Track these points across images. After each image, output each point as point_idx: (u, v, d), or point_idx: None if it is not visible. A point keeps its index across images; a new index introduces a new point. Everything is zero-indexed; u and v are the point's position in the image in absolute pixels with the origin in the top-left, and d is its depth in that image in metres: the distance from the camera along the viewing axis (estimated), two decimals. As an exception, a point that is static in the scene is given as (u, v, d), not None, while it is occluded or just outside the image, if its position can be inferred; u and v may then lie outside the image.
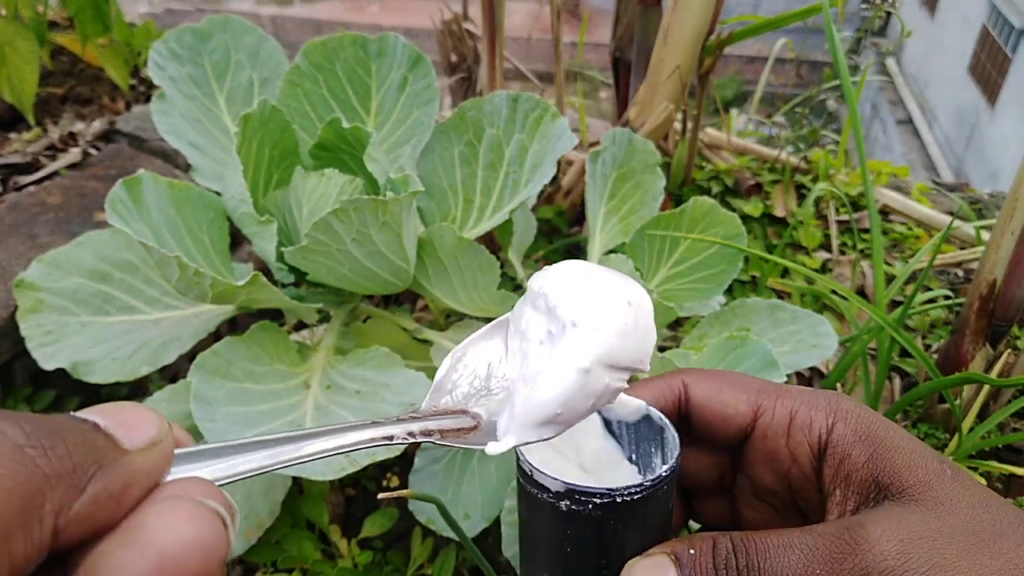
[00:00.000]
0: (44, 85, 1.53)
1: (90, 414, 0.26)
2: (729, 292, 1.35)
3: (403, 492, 0.64)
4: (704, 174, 1.58)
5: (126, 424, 0.26)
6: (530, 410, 0.36)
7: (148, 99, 1.58)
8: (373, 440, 0.34)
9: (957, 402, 0.97)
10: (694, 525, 0.49)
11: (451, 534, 0.83)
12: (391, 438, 0.34)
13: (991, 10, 8.80)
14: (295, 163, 0.95)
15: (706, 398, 0.41)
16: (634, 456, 0.43)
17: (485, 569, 0.78)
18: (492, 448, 0.36)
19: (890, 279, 1.37)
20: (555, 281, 0.37)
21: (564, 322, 0.36)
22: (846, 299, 1.03)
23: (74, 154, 1.36)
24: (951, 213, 1.56)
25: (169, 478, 0.27)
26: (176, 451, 0.28)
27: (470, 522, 0.86)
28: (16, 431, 0.23)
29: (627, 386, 0.37)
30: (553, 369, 0.35)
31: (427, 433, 0.36)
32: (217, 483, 0.28)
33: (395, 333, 0.99)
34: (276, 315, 1.20)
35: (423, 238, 0.88)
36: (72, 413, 0.26)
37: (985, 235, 1.44)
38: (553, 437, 0.36)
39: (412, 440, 0.35)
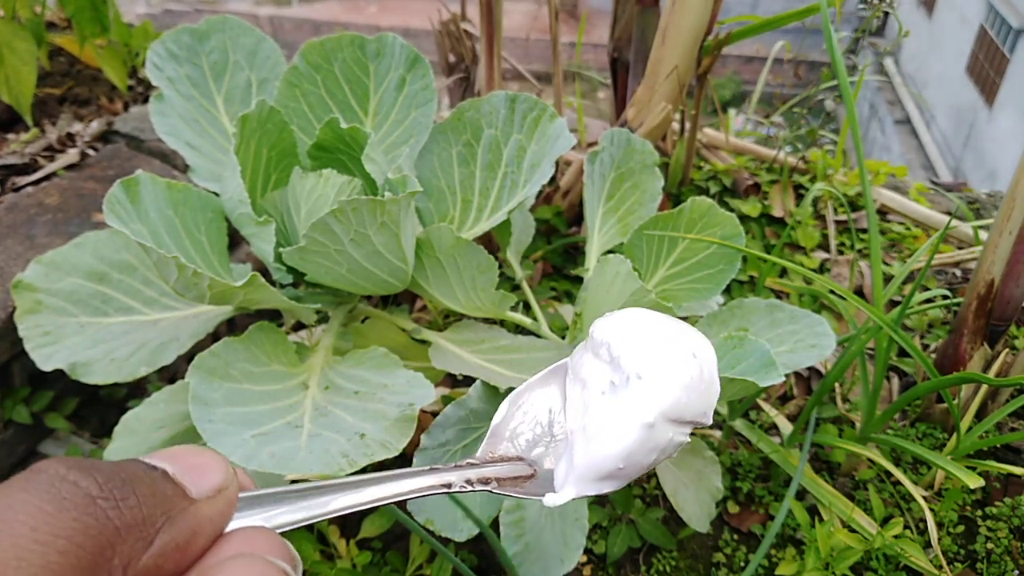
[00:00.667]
0: (42, 86, 1.53)
1: (160, 460, 0.26)
2: (727, 292, 1.35)
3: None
4: (702, 174, 1.58)
5: (194, 470, 0.26)
6: (591, 464, 0.35)
7: (146, 100, 1.58)
8: (432, 487, 0.33)
9: (955, 402, 0.97)
10: None
11: (450, 534, 0.82)
12: (449, 486, 0.34)
13: (989, 10, 8.81)
14: (293, 164, 0.95)
15: None
16: None
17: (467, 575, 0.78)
18: (550, 500, 0.36)
19: (888, 279, 1.37)
20: (619, 330, 0.37)
21: (628, 374, 0.35)
22: (844, 299, 1.03)
23: (72, 155, 1.36)
24: (949, 213, 1.57)
25: (232, 525, 0.27)
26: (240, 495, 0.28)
27: (468, 523, 0.86)
28: (89, 482, 0.23)
29: (689, 440, 0.36)
30: (617, 423, 0.35)
31: (485, 481, 0.35)
32: (280, 530, 0.28)
33: (393, 333, 0.99)
34: (274, 316, 1.20)
35: (421, 238, 0.88)
36: (143, 460, 0.26)
37: (983, 235, 1.44)
38: (613, 491, 0.36)
39: (470, 489, 0.35)
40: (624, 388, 0.35)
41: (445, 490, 0.34)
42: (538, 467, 0.37)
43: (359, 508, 0.31)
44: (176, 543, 0.24)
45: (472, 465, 0.36)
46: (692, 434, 0.37)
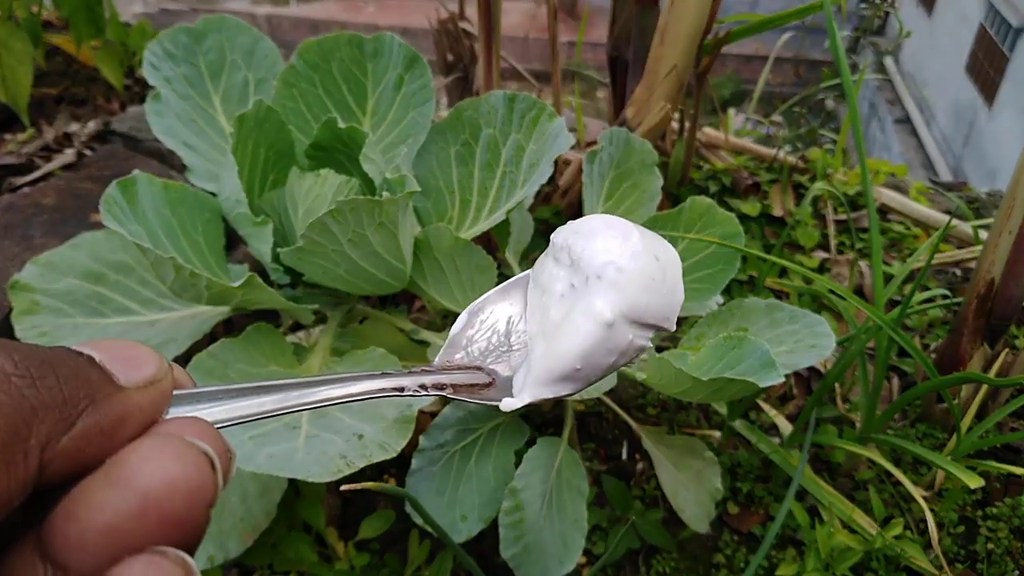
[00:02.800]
0: (38, 85, 1.52)
1: (86, 347, 0.25)
2: (727, 292, 1.35)
3: (368, 484, 0.64)
4: (702, 174, 1.58)
5: (124, 360, 0.25)
6: (549, 364, 0.34)
7: (143, 99, 1.57)
8: (383, 390, 0.32)
9: (955, 402, 0.97)
10: None
11: (449, 535, 0.82)
12: (402, 389, 0.33)
13: (988, 9, 8.81)
14: (291, 163, 0.94)
15: None
16: None
17: (476, 573, 0.78)
18: (506, 404, 0.35)
19: (888, 278, 1.37)
20: (579, 234, 0.36)
21: (588, 275, 0.34)
22: (844, 299, 1.03)
23: (69, 155, 1.35)
24: (949, 212, 1.56)
25: (168, 418, 0.26)
26: (177, 392, 0.27)
27: (467, 524, 0.85)
28: (4, 360, 0.22)
29: (651, 345, 0.35)
30: (575, 322, 0.34)
31: (440, 387, 0.34)
32: (219, 425, 0.27)
33: (392, 334, 0.99)
34: (272, 316, 1.20)
35: (420, 239, 0.88)
36: (68, 347, 0.25)
37: (983, 234, 1.43)
38: (572, 395, 0.35)
39: (424, 394, 0.34)
40: (584, 289, 0.34)
41: (397, 393, 0.33)
42: (496, 376, 0.36)
43: (310, 407, 0.30)
44: (100, 427, 0.23)
45: (427, 372, 0.35)
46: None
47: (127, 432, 0.25)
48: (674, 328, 0.36)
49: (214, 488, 0.24)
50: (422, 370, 0.35)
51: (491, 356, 0.37)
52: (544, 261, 0.38)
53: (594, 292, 0.34)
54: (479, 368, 0.37)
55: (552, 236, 0.38)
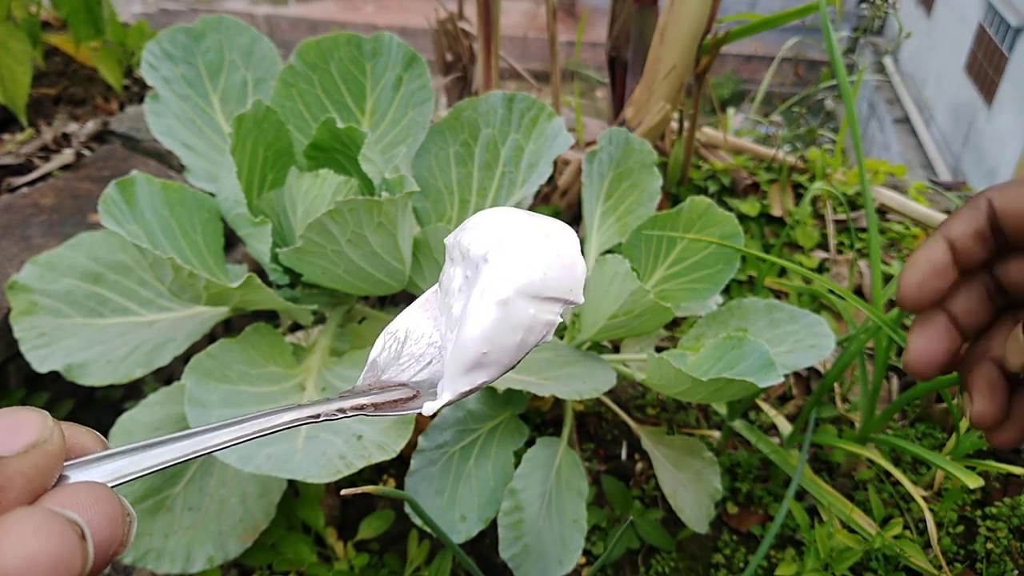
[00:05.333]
0: (37, 86, 1.52)
1: None
2: (726, 292, 1.35)
3: (368, 488, 0.64)
4: (701, 173, 1.58)
5: (3, 430, 0.26)
6: (457, 356, 0.35)
7: (142, 99, 1.57)
8: (297, 420, 0.33)
9: (955, 401, 0.97)
10: None
11: (448, 536, 0.82)
12: (317, 416, 0.33)
13: (987, 9, 8.81)
14: (290, 164, 0.94)
15: (1011, 203, 0.40)
16: None
17: (475, 573, 0.78)
18: (427, 408, 0.35)
19: (888, 278, 1.37)
20: (468, 228, 0.37)
21: (477, 261, 0.35)
22: (844, 298, 1.03)
23: (67, 155, 1.35)
24: (948, 212, 1.56)
25: (72, 480, 0.26)
26: (87, 457, 0.27)
27: (466, 524, 0.85)
28: None
29: (560, 319, 0.36)
30: (470, 308, 0.34)
31: (359, 408, 0.35)
32: (122, 479, 0.28)
33: (391, 334, 0.98)
34: (271, 316, 1.20)
35: (419, 239, 0.88)
36: None
37: (982, 234, 1.43)
38: (490, 382, 0.35)
39: (342, 416, 0.34)
40: (475, 275, 0.35)
41: (312, 420, 0.33)
42: (420, 387, 0.37)
43: (223, 447, 0.31)
44: None
45: (345, 396, 0.35)
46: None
47: (10, 499, 0.25)
48: (581, 300, 0.36)
49: (82, 559, 0.24)
50: (340, 396, 0.35)
51: (411, 368, 0.38)
52: (444, 267, 0.39)
53: (484, 276, 0.34)
54: (403, 384, 0.37)
55: (445, 239, 0.39)
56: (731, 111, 1.91)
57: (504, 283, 0.34)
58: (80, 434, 0.29)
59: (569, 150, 1.50)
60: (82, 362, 0.85)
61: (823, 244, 1.50)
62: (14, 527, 0.23)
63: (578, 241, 0.37)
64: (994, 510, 0.99)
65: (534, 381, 0.85)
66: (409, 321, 0.39)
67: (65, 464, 0.27)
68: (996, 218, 0.41)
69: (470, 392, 0.35)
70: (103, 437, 0.30)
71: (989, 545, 0.95)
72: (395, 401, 0.36)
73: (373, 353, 0.38)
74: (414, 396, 0.36)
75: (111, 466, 0.28)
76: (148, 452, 0.29)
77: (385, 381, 0.37)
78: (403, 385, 0.37)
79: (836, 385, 1.17)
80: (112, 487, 0.27)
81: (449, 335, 0.36)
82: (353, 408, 0.35)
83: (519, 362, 0.36)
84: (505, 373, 0.35)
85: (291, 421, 0.33)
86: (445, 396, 0.35)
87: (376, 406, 0.35)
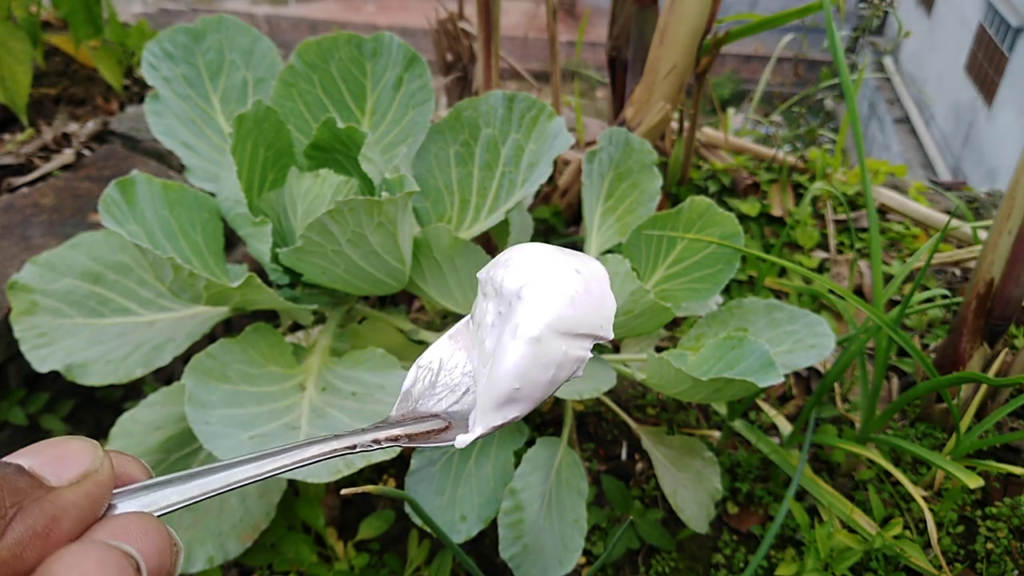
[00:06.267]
0: (37, 86, 1.52)
1: (17, 456, 0.26)
2: (727, 292, 1.35)
3: (368, 488, 0.64)
4: (701, 173, 1.58)
5: (53, 460, 0.26)
6: (490, 392, 0.35)
7: (142, 100, 1.57)
8: (335, 451, 0.33)
9: (955, 401, 0.97)
10: None
11: (448, 535, 0.82)
12: (354, 447, 0.34)
13: (987, 9, 8.81)
14: (290, 163, 0.94)
15: None
16: None
17: (475, 573, 0.78)
18: (460, 441, 0.36)
19: (888, 278, 1.37)
20: (500, 263, 0.37)
21: (510, 298, 0.35)
22: (844, 298, 1.03)
23: (68, 155, 1.35)
24: (948, 212, 1.56)
25: (120, 510, 0.27)
26: (131, 487, 0.28)
27: (466, 524, 0.85)
28: None
29: (591, 354, 0.36)
30: (504, 345, 0.35)
31: (393, 439, 0.35)
32: (169, 508, 0.28)
33: (391, 334, 0.99)
34: (271, 316, 1.20)
35: (419, 239, 0.88)
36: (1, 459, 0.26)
37: (983, 234, 1.43)
38: (521, 416, 0.36)
39: (377, 447, 0.35)
40: (508, 312, 0.35)
41: (349, 451, 0.34)
42: (453, 418, 0.38)
43: (263, 478, 0.31)
44: (33, 531, 0.24)
45: (380, 427, 0.36)
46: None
47: (65, 529, 0.25)
48: (611, 336, 0.37)
49: None
50: (375, 426, 0.36)
51: (446, 400, 0.38)
52: (477, 300, 0.39)
53: (517, 313, 0.35)
54: (436, 416, 0.38)
55: (478, 274, 0.39)
56: (731, 111, 1.91)
57: (536, 320, 0.34)
58: (127, 463, 0.29)
59: (569, 150, 1.50)
60: (82, 362, 0.85)
61: (823, 244, 1.50)
62: (76, 562, 0.24)
63: (608, 277, 0.37)
64: (994, 510, 0.99)
65: (534, 381, 0.85)
66: (442, 352, 0.40)
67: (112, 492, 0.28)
68: None
69: (502, 426, 0.36)
70: (147, 465, 0.30)
71: (989, 545, 0.95)
72: (428, 432, 0.36)
73: (406, 384, 0.39)
74: (447, 427, 0.37)
75: (157, 495, 0.28)
76: (192, 482, 0.29)
77: (419, 411, 0.38)
78: (436, 416, 0.38)
79: (836, 385, 1.17)
80: (158, 516, 0.28)
81: (482, 369, 0.37)
82: (388, 439, 0.35)
83: (551, 396, 0.36)
84: (536, 407, 0.36)
85: (330, 451, 0.33)
86: (477, 430, 0.35)
87: (410, 437, 0.36)
